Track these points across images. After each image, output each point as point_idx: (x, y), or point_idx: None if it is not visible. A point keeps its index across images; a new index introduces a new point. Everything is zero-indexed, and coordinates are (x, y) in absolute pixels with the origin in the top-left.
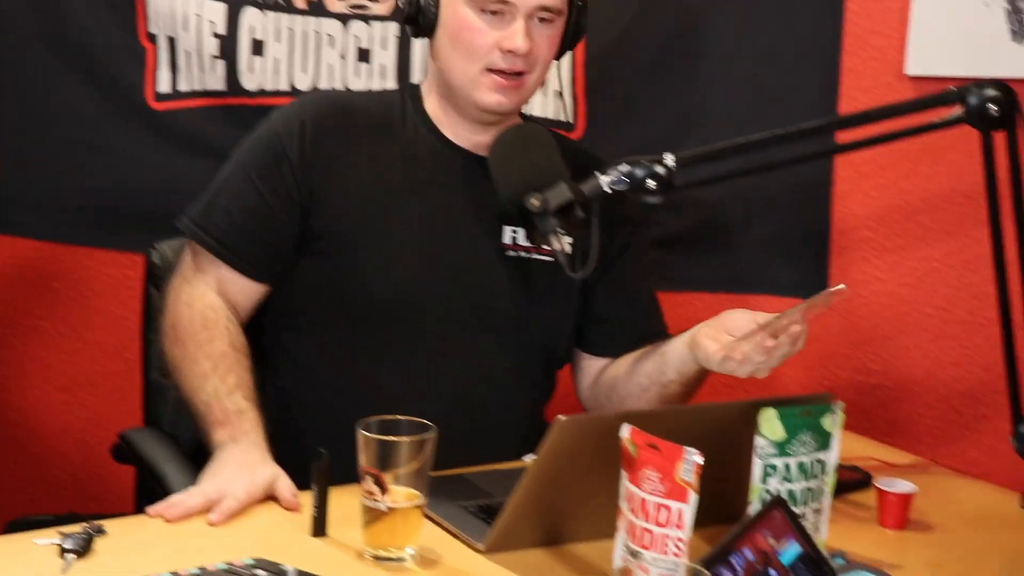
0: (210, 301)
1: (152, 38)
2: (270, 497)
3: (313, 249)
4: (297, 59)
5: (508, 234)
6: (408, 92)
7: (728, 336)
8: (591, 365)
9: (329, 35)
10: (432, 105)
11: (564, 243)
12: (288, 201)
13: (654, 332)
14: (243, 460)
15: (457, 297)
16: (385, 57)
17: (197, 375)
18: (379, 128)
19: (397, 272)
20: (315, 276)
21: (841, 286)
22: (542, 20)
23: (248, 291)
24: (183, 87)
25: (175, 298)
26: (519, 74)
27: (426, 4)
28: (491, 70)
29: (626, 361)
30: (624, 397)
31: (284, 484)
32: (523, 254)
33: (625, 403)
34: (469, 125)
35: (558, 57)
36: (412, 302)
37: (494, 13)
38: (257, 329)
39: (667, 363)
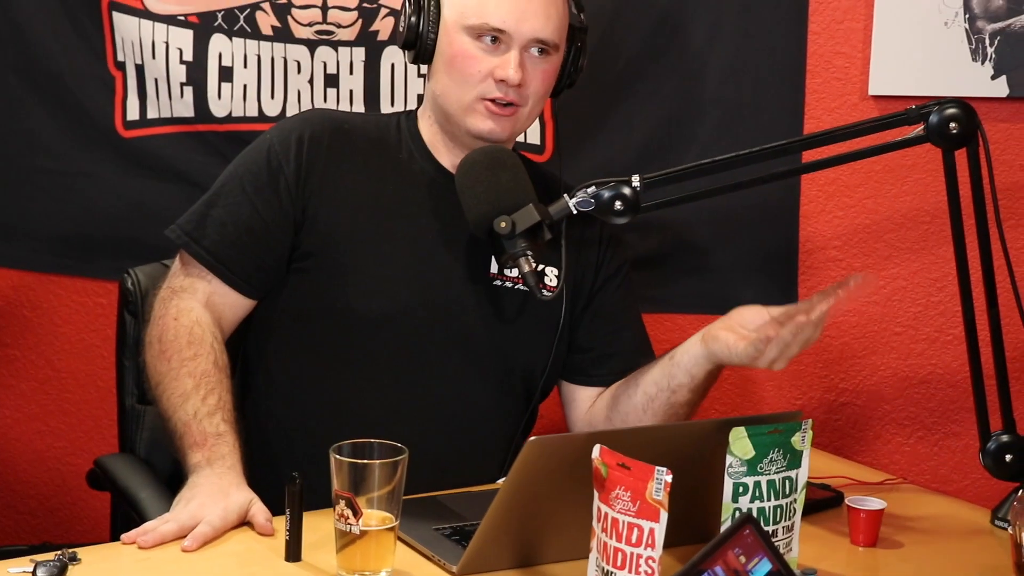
0: (197, 316)
1: (120, 66)
2: (244, 522)
3: (301, 265)
4: (265, 85)
5: (495, 263)
6: (404, 117)
7: (743, 329)
8: (581, 397)
9: (296, 61)
10: (427, 131)
11: (536, 267)
12: (282, 216)
13: (642, 359)
14: (217, 485)
15: (439, 322)
16: (353, 82)
17: (178, 393)
18: (375, 150)
19: (382, 294)
20: (301, 292)
21: (863, 274)
22: (539, 53)
23: (236, 305)
24: (152, 114)
25: (162, 311)
26: (511, 104)
27: (424, 31)
28: (484, 99)
29: (624, 381)
30: (627, 412)
31: (258, 508)
32: (508, 284)
33: (628, 419)
34: (463, 152)
35: (555, 95)
36: (395, 325)
37: (492, 41)
38: (238, 343)
39: (677, 365)
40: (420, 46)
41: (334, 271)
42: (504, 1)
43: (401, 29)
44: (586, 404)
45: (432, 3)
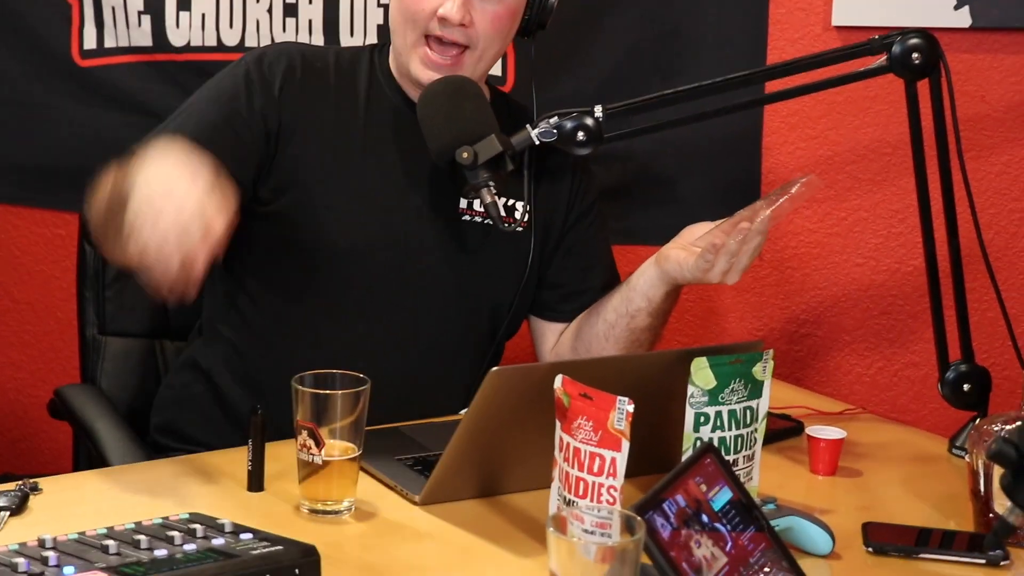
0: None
1: None
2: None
3: (270, 203)
4: (223, 14)
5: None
6: (377, 51)
7: (693, 245)
8: (550, 331)
9: None
10: (394, 67)
11: (495, 196)
12: (258, 120)
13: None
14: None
15: (405, 257)
16: (312, 12)
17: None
18: (345, 86)
19: (350, 229)
20: (269, 228)
21: (807, 177)
22: None
23: None
24: (109, 43)
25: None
26: (456, 45)
27: None
28: (428, 36)
29: (587, 311)
30: (590, 341)
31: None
32: (477, 219)
33: (591, 348)
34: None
35: (525, 35)
36: (361, 260)
37: None
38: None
39: (633, 289)
40: None
41: (302, 206)
42: None
43: None
44: (554, 338)
45: None
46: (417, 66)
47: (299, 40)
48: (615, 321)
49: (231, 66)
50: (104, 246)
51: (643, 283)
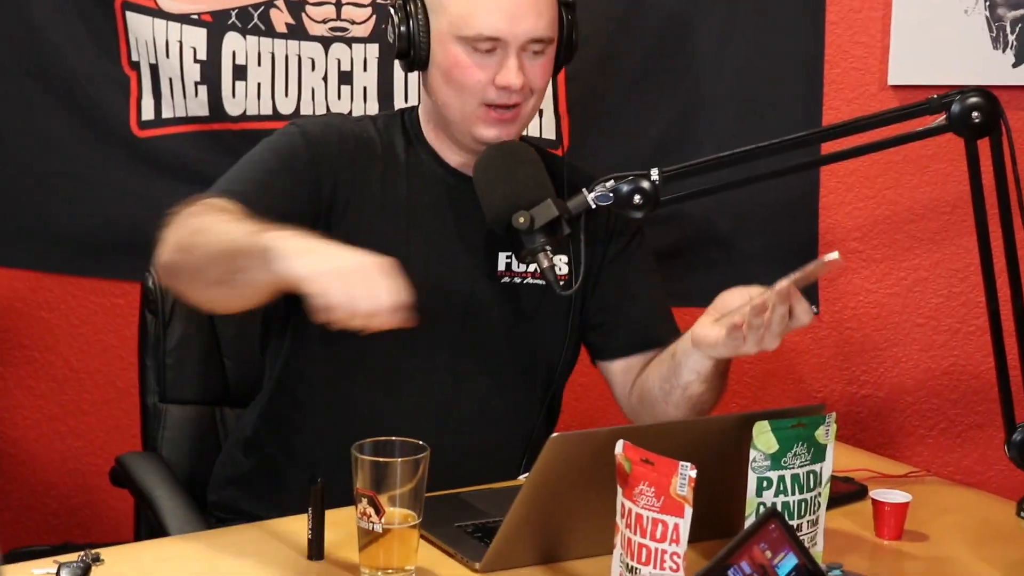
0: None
1: (135, 66)
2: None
3: None
4: (279, 83)
5: (503, 260)
6: (407, 118)
7: (724, 317)
8: (614, 372)
9: (310, 58)
10: (430, 134)
11: (553, 260)
12: (307, 184)
13: (661, 328)
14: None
15: (458, 323)
16: (367, 79)
17: (220, 231)
18: (388, 152)
19: None
20: None
21: (834, 254)
22: (535, 53)
23: None
24: (167, 114)
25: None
26: (515, 106)
27: (417, 40)
28: (487, 105)
29: (649, 368)
30: (652, 404)
31: None
32: (518, 279)
33: (655, 411)
34: (467, 152)
35: (554, 75)
36: (416, 327)
37: (487, 50)
38: (263, 347)
39: (679, 364)
40: (414, 55)
41: None
42: (494, 8)
43: (391, 39)
44: (620, 378)
45: (420, 12)
46: (481, 129)
47: (355, 108)
48: (669, 391)
49: (282, 131)
50: (184, 286)
51: (688, 359)
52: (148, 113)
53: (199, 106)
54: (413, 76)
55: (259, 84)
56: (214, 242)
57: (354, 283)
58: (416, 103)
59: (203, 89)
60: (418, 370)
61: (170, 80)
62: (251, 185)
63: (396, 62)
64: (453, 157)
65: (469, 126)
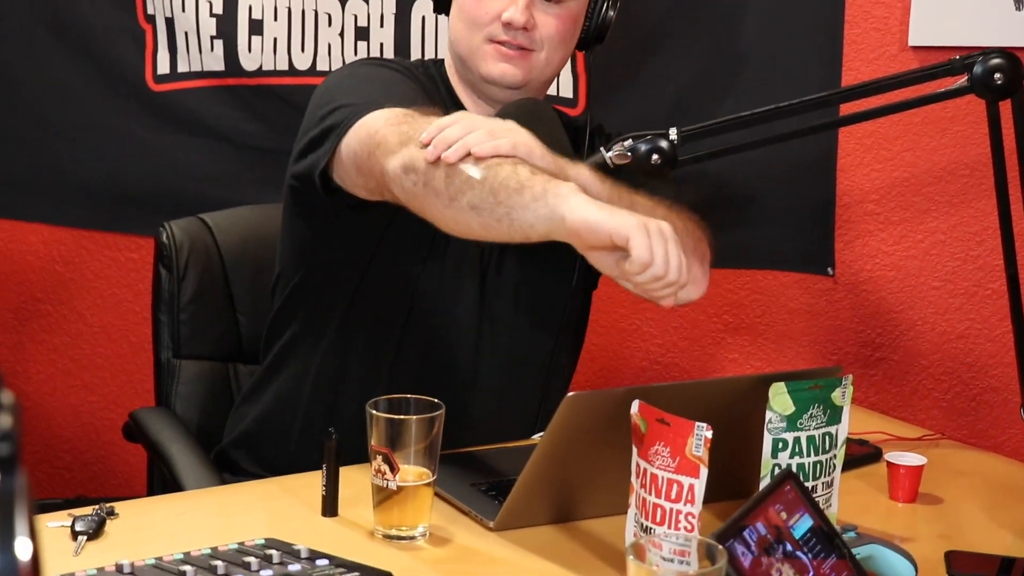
0: None
1: (150, 19)
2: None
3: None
4: (295, 38)
5: None
6: (434, 67)
7: None
8: None
9: (327, 13)
10: (454, 83)
11: None
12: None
13: None
14: None
15: (473, 276)
16: (383, 35)
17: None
18: (430, 101)
19: (430, 260)
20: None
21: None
22: (550, 1)
23: None
24: (182, 68)
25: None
26: (522, 49)
27: None
28: (493, 41)
29: None
30: None
31: None
32: None
33: None
34: (487, 104)
35: (584, 49)
36: (435, 293)
37: None
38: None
39: None
40: None
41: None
42: None
43: None
44: None
45: None
46: (488, 64)
47: None
48: None
49: (361, 65)
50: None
51: None
52: (164, 67)
53: (215, 60)
54: (430, 32)
55: (275, 39)
56: (490, 177)
57: (671, 249)
58: (436, 57)
59: (219, 43)
60: (436, 335)
61: (186, 34)
62: (413, 94)
63: (432, 6)
64: (476, 109)
65: (477, 62)
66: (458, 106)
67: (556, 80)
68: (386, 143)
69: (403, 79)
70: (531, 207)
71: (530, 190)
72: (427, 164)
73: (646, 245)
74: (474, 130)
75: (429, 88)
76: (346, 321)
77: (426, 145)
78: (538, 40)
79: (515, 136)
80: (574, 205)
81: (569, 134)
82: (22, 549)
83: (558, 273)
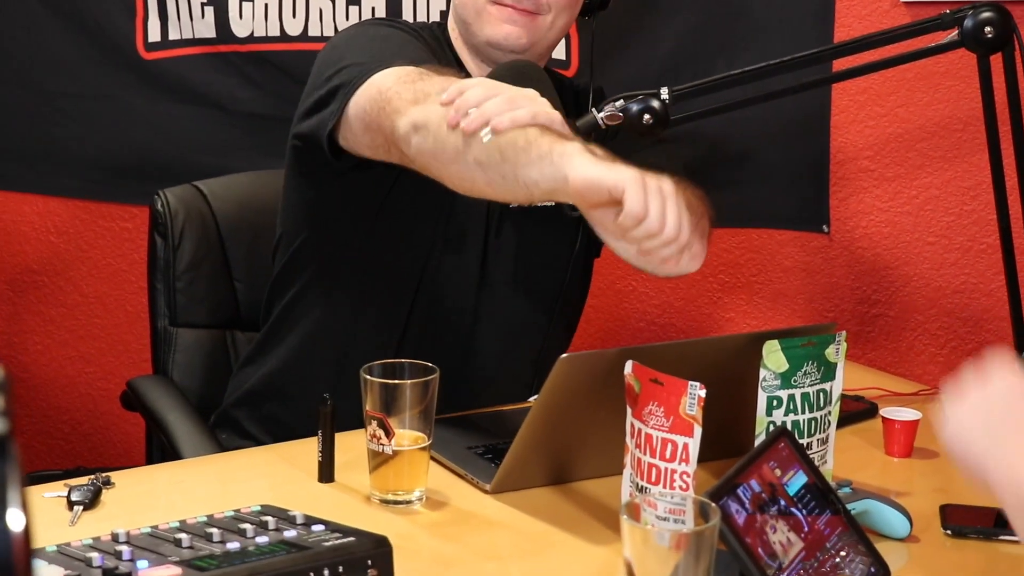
0: None
1: None
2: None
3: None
4: (286, 4)
5: None
6: (439, 30)
7: None
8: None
9: None
10: (457, 46)
11: None
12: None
13: None
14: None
15: (475, 246)
16: (375, 0)
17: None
18: (438, 62)
19: (423, 227)
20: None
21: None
22: None
23: None
24: (173, 35)
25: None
26: (527, 12)
27: None
28: (498, 2)
29: None
30: None
31: None
32: (524, 205)
33: None
34: (488, 67)
35: (587, 14)
36: (429, 256)
37: None
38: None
39: None
40: None
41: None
42: None
43: None
44: None
45: None
46: (492, 27)
47: None
48: None
49: (367, 26)
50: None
51: None
52: (155, 35)
53: (206, 27)
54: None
55: (266, 5)
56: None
57: (669, 205)
58: (428, 20)
59: (210, 10)
60: (434, 296)
61: (176, 1)
62: (423, 54)
63: None
64: (479, 73)
65: (481, 25)
66: (461, 70)
67: None
68: (398, 99)
69: (411, 39)
70: (536, 165)
71: (536, 148)
72: (439, 123)
73: (640, 198)
74: (494, 96)
75: (436, 50)
76: (352, 280)
77: (446, 104)
78: (544, 3)
79: (535, 106)
80: (577, 164)
81: (569, 97)
82: (14, 521)
83: (560, 241)
